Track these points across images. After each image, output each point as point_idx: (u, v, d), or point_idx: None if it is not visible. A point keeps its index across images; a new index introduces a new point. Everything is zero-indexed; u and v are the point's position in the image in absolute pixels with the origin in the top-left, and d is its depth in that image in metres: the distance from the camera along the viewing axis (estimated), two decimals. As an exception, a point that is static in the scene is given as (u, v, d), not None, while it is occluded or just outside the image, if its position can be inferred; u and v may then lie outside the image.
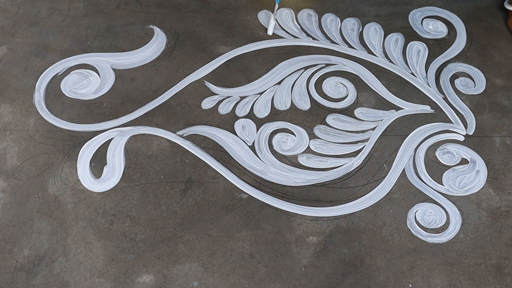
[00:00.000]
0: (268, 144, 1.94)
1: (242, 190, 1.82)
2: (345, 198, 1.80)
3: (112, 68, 2.16)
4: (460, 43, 2.25)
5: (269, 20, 2.23)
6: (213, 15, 2.36)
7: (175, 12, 2.37)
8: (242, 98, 2.07)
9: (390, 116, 2.01)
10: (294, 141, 1.95)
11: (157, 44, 2.25)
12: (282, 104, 2.05)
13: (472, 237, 1.72)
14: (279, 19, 2.34)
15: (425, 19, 2.34)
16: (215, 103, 2.06)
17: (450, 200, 1.80)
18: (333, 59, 2.19)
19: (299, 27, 2.31)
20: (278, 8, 2.16)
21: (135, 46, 2.24)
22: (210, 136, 1.95)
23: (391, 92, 2.08)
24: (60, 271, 1.66)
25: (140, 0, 2.42)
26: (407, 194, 1.81)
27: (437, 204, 1.79)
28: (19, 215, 1.77)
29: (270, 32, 2.23)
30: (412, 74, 2.14)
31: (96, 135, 1.95)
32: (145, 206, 1.79)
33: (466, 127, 1.98)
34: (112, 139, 1.95)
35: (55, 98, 2.07)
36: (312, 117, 2.01)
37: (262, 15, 2.35)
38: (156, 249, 1.70)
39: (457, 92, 2.08)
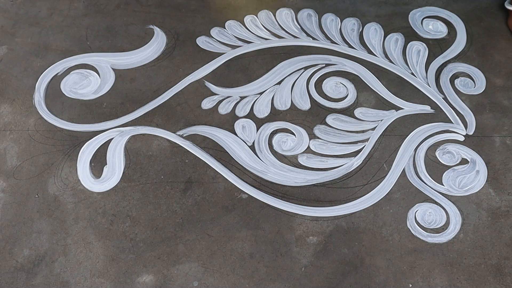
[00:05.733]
0: (268, 144, 1.94)
1: (242, 190, 1.82)
2: (345, 198, 1.80)
3: (112, 68, 2.16)
4: (460, 43, 2.25)
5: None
6: (213, 15, 2.36)
7: (175, 12, 2.37)
8: (242, 98, 2.07)
9: (390, 116, 2.01)
10: (294, 141, 1.95)
11: (157, 44, 2.25)
12: (282, 104, 2.05)
13: (472, 237, 1.71)
14: (280, 19, 2.34)
15: (425, 19, 2.34)
16: (215, 103, 2.06)
17: (450, 200, 1.80)
18: (333, 59, 2.19)
19: (299, 27, 2.31)
20: None
21: (135, 46, 2.24)
22: (210, 136, 1.95)
23: (391, 92, 2.08)
24: (60, 271, 1.66)
25: (140, 0, 2.42)
26: (407, 194, 1.81)
27: (437, 204, 1.79)
28: (19, 215, 1.77)
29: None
30: (412, 74, 2.14)
31: (96, 135, 1.96)
32: (145, 206, 1.79)
33: (466, 127, 1.98)
34: (112, 139, 1.95)
35: (55, 98, 2.07)
36: (312, 117, 2.01)
37: (262, 15, 2.35)
38: (156, 249, 1.70)
39: (457, 92, 2.08)
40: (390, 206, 1.79)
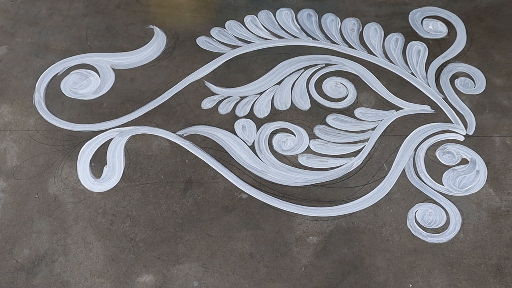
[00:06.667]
0: (268, 144, 1.94)
1: (242, 190, 1.82)
2: (345, 198, 1.80)
3: (112, 68, 2.16)
4: (460, 43, 2.25)
5: None
6: (213, 15, 2.36)
7: (175, 12, 2.37)
8: (242, 98, 2.07)
9: (390, 116, 2.01)
10: (294, 141, 1.95)
11: (157, 44, 2.25)
12: (282, 104, 2.05)
13: (472, 237, 1.71)
14: (279, 19, 2.33)
15: (425, 19, 2.34)
16: (215, 103, 2.06)
17: (450, 200, 1.79)
18: (333, 59, 2.19)
19: (299, 27, 2.31)
20: None
21: (135, 46, 2.24)
22: (210, 136, 1.95)
23: (391, 92, 2.08)
24: (60, 271, 1.66)
25: (140, 0, 2.42)
26: (407, 194, 1.81)
27: (437, 204, 1.79)
28: (19, 215, 1.77)
29: None
30: (412, 74, 2.14)
31: (96, 135, 1.96)
32: (145, 206, 1.79)
33: (466, 127, 1.98)
34: (112, 139, 1.95)
35: (55, 98, 2.07)
36: (312, 117, 2.01)
37: (262, 15, 2.35)
38: (156, 249, 1.70)
39: (457, 92, 2.08)
40: (390, 206, 1.79)
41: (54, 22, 2.33)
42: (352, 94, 2.08)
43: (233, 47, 2.23)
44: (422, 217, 1.76)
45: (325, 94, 2.08)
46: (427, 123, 1.99)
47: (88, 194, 1.81)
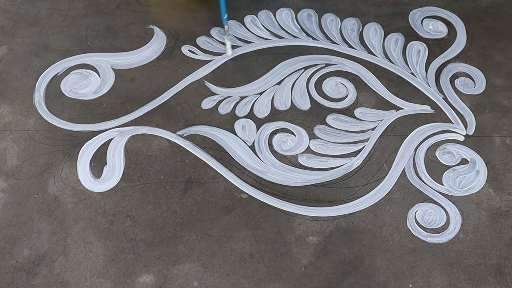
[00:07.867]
0: (268, 144, 1.94)
1: (242, 190, 1.82)
2: (345, 198, 1.80)
3: (112, 68, 2.16)
4: (460, 43, 2.25)
5: (225, 41, 2.15)
6: (213, 15, 2.36)
7: (175, 12, 2.38)
8: (242, 98, 2.07)
9: (390, 116, 2.01)
10: (294, 141, 1.95)
11: (157, 44, 2.25)
12: (282, 104, 2.05)
13: (472, 237, 1.71)
14: (279, 19, 2.33)
15: (425, 19, 2.34)
16: (215, 103, 2.06)
17: (450, 200, 1.79)
18: (333, 59, 2.19)
19: (299, 27, 2.31)
20: (228, 30, 2.11)
21: (135, 46, 2.24)
22: (210, 136, 1.95)
23: (391, 92, 2.08)
24: (60, 271, 1.66)
25: (140, 0, 2.42)
26: (407, 194, 1.81)
27: (437, 204, 1.79)
28: (19, 215, 1.77)
29: (229, 53, 2.18)
30: (412, 74, 2.14)
31: (96, 135, 1.96)
32: (145, 206, 1.79)
33: (466, 127, 1.98)
34: (112, 139, 1.95)
35: (55, 98, 2.07)
36: (312, 117, 2.01)
37: (262, 15, 2.35)
38: (156, 249, 1.70)
39: (457, 92, 2.08)
40: (390, 206, 1.79)
41: (54, 22, 2.33)
42: (352, 94, 2.08)
43: (233, 47, 2.23)
44: (422, 217, 1.76)
45: (325, 94, 2.08)
46: (427, 123, 1.99)
47: (88, 194, 1.81)
